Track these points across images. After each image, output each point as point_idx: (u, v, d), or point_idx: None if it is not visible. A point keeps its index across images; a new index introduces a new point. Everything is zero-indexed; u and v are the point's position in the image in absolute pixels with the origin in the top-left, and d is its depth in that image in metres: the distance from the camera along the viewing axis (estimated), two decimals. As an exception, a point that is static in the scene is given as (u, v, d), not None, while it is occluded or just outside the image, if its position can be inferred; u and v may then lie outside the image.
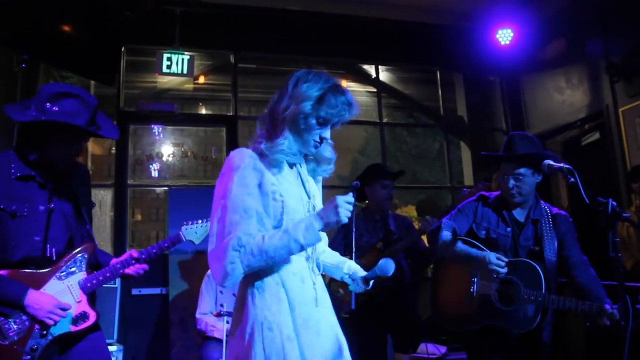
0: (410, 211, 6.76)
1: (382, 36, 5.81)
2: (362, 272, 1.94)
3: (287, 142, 1.74)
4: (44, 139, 2.30)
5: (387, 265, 1.80)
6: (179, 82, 5.91)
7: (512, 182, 2.80)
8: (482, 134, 6.33)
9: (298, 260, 1.78)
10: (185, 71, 5.17)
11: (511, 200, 2.86)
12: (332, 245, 3.69)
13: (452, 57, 5.98)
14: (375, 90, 6.31)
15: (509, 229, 2.86)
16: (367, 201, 4.00)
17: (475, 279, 2.87)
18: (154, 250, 2.60)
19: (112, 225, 5.08)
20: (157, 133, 5.93)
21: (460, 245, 2.87)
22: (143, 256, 2.56)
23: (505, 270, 2.68)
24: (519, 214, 2.89)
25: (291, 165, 1.85)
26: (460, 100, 6.46)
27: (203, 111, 7.21)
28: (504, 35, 5.49)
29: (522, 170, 2.80)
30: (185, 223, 2.79)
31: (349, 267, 1.96)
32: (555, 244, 2.79)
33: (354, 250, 2.29)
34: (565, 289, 3.01)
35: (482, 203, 2.97)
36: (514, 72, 6.07)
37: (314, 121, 1.74)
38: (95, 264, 2.56)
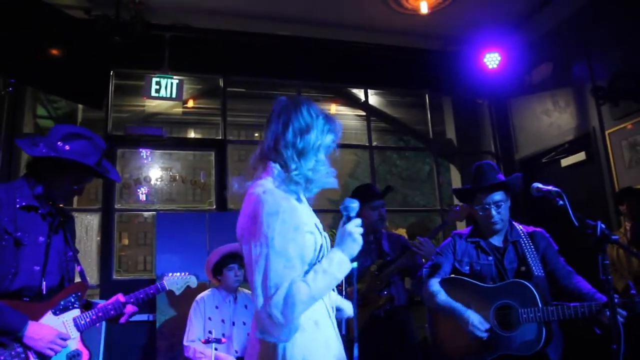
0: (401, 234, 6.74)
1: (371, 60, 5.86)
2: (344, 304, 1.98)
3: (321, 168, 1.78)
4: (51, 174, 2.36)
5: (348, 203, 1.77)
6: (167, 106, 5.92)
7: (494, 211, 2.84)
8: (472, 156, 6.29)
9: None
10: (174, 95, 5.17)
11: (492, 229, 2.90)
12: None
13: (441, 81, 6.02)
14: (364, 114, 6.35)
15: (490, 258, 2.88)
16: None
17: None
18: (141, 296, 2.70)
19: (98, 250, 5.02)
20: (145, 157, 5.89)
21: (443, 298, 2.87)
22: (131, 300, 2.62)
23: (485, 335, 2.69)
24: (496, 240, 2.93)
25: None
26: (449, 123, 6.50)
27: (192, 135, 7.23)
28: (492, 59, 5.55)
29: (501, 197, 2.85)
30: (167, 274, 3.05)
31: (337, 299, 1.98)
32: (539, 261, 2.82)
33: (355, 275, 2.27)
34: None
35: (458, 240, 3.02)
36: (502, 96, 6.13)
37: (317, 146, 1.78)
38: (86, 304, 2.58)
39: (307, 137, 1.75)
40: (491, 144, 6.27)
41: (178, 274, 3.12)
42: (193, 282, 3.24)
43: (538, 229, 2.96)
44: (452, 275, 2.95)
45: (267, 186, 1.72)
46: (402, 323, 3.79)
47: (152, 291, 2.77)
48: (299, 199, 1.78)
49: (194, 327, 3.82)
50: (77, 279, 2.57)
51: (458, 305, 2.80)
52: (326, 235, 1.85)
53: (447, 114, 6.54)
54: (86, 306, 2.56)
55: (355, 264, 1.71)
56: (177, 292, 3.08)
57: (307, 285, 1.60)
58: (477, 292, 2.81)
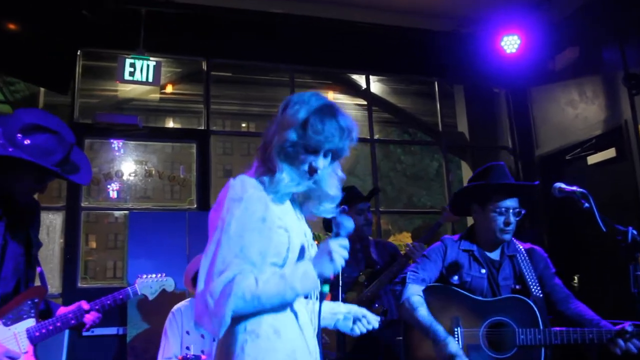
0: (404, 239, 6.76)
1: (373, 43, 5.84)
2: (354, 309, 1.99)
3: (286, 175, 1.76)
4: (6, 172, 2.32)
5: (343, 220, 1.76)
6: (143, 92, 5.89)
7: (512, 217, 2.85)
8: (486, 152, 6.37)
9: (298, 306, 1.80)
10: (150, 79, 5.16)
11: (499, 238, 2.88)
12: None
13: (452, 67, 6.01)
14: (365, 103, 6.34)
15: (484, 271, 2.89)
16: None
17: (458, 329, 2.79)
18: (108, 302, 2.68)
19: (61, 254, 4.99)
20: (116, 149, 5.85)
21: (423, 314, 2.80)
22: (96, 307, 2.58)
23: None
24: (492, 252, 2.95)
25: (291, 200, 1.88)
26: (461, 114, 6.50)
27: (170, 124, 7.21)
28: (510, 43, 5.53)
29: (517, 204, 2.87)
30: (139, 276, 3.00)
31: (347, 307, 2.00)
32: (536, 280, 2.84)
33: (340, 285, 2.25)
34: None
35: (450, 245, 3.01)
36: (521, 84, 6.13)
37: (301, 149, 1.76)
38: (44, 311, 2.54)
39: (283, 134, 1.76)
40: (508, 139, 6.26)
41: (152, 275, 3.09)
42: (170, 285, 3.23)
43: (536, 247, 2.99)
44: (440, 284, 2.94)
45: (245, 178, 1.76)
46: (389, 340, 3.78)
47: (121, 296, 2.74)
48: (280, 200, 1.79)
49: (170, 343, 3.80)
50: (38, 282, 2.54)
51: (439, 329, 2.73)
52: (312, 242, 1.87)
53: (459, 104, 6.54)
54: (44, 314, 2.51)
55: (325, 288, 1.68)
56: (151, 297, 3.04)
57: (254, 282, 1.60)
58: (467, 305, 2.80)
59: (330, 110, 1.78)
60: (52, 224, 5.06)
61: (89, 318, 2.53)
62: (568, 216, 5.06)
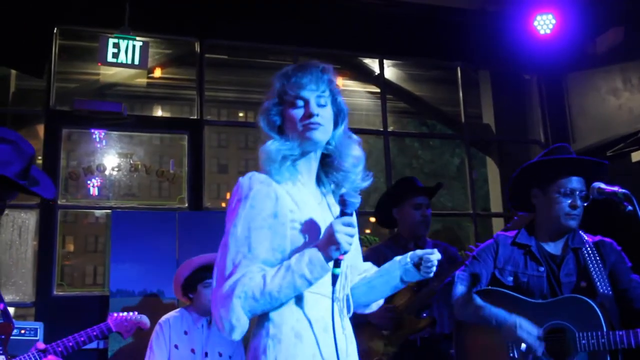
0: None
1: (388, 22, 5.81)
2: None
3: (274, 142, 1.89)
4: None
5: (348, 196, 1.79)
6: (128, 76, 5.87)
7: (579, 202, 2.81)
8: (514, 147, 6.36)
9: (320, 302, 1.84)
10: (136, 61, 5.15)
11: (565, 225, 2.83)
12: None
13: (478, 50, 6.00)
14: (378, 90, 6.33)
15: (542, 268, 2.86)
16: (396, 228, 4.00)
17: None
18: (71, 344, 2.68)
19: (35, 258, 4.98)
20: (98, 140, 5.82)
21: (480, 304, 2.81)
22: (59, 349, 2.54)
23: (538, 346, 2.63)
24: (553, 247, 2.91)
25: (314, 189, 1.98)
26: (486, 104, 6.49)
27: (159, 113, 7.21)
28: (544, 23, 5.48)
29: (584, 187, 2.82)
30: (110, 314, 3.30)
31: (404, 258, 2.00)
32: (606, 277, 2.79)
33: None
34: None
35: (502, 243, 2.99)
36: (556, 70, 6.10)
37: (287, 107, 1.91)
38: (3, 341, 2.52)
39: (263, 106, 1.94)
40: (540, 132, 6.24)
41: (125, 314, 3.35)
42: (145, 323, 3.48)
43: (607, 239, 2.92)
44: (491, 288, 2.92)
45: (254, 174, 1.86)
46: (442, 356, 3.76)
47: (95, 333, 2.85)
48: (291, 179, 1.89)
49: (156, 358, 3.77)
50: None
51: (500, 312, 2.74)
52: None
53: (485, 92, 6.53)
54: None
55: (337, 270, 1.76)
56: (126, 336, 3.32)
57: (261, 280, 1.72)
58: (521, 310, 2.76)
59: (301, 64, 1.95)
60: (24, 223, 5.05)
61: None
62: (608, 221, 5.00)
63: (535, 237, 2.93)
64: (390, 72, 6.57)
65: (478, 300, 2.82)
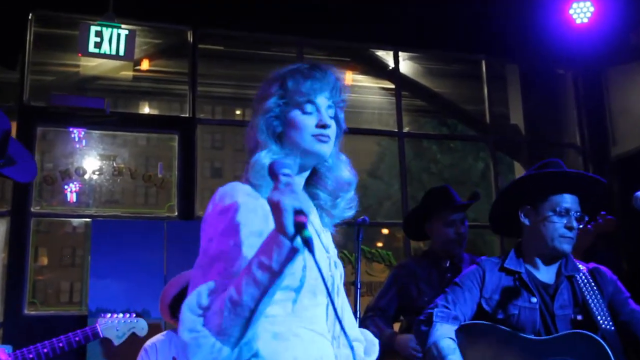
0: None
1: (403, 10, 5.80)
2: None
3: (270, 153, 1.77)
4: None
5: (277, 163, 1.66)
6: (112, 68, 5.86)
7: (575, 224, 2.77)
8: (546, 150, 6.31)
9: (319, 342, 1.75)
10: (121, 52, 5.18)
11: (560, 249, 2.79)
12: (381, 303, 3.71)
13: (505, 41, 6.00)
14: (393, 86, 6.35)
15: (534, 299, 2.81)
16: (429, 242, 3.96)
17: None
18: (47, 351, 2.58)
19: (3, 272, 4.98)
20: (77, 140, 5.83)
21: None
22: (30, 355, 2.48)
23: None
24: (545, 274, 2.87)
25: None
26: (514, 102, 6.50)
27: (146, 110, 7.20)
28: (581, 11, 5.49)
29: (579, 207, 2.80)
30: (102, 315, 3.10)
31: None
32: (605, 308, 2.78)
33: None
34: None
35: (488, 269, 2.94)
36: (593, 64, 6.10)
37: (290, 107, 1.80)
38: None
39: (264, 105, 1.82)
40: (576, 134, 6.26)
41: (119, 315, 3.14)
42: (141, 328, 3.29)
43: (602, 267, 2.91)
44: (478, 322, 2.85)
45: (236, 184, 1.77)
46: None
47: (77, 338, 2.75)
48: None
49: (141, 388, 3.74)
50: None
51: None
52: (337, 260, 1.89)
53: (513, 88, 6.54)
54: None
55: (307, 232, 1.46)
56: (117, 342, 3.11)
57: (230, 290, 1.54)
58: (516, 349, 2.73)
59: (316, 64, 1.87)
60: (-8, 233, 5.07)
61: None
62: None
63: (525, 262, 2.89)
64: (406, 65, 6.58)
65: (457, 355, 2.74)
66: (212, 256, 1.65)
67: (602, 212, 3.56)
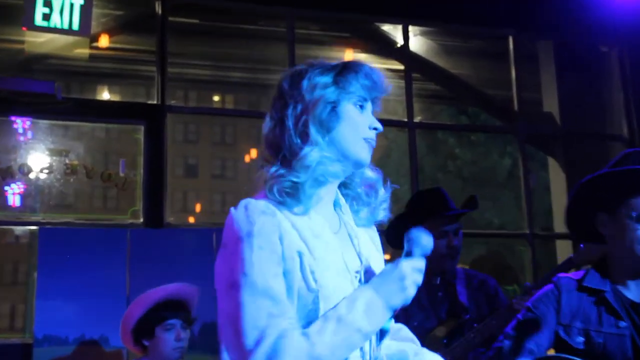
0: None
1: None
2: None
3: (317, 149, 1.84)
4: None
5: (417, 235, 1.83)
6: (64, 45, 5.85)
7: None
8: (587, 144, 6.38)
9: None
10: (75, 26, 5.19)
11: None
12: None
13: (536, 14, 6.01)
14: (402, 67, 6.37)
15: (623, 323, 2.77)
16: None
17: None
18: None
19: None
20: (21, 131, 5.82)
21: None
22: None
23: None
24: (635, 292, 2.84)
25: (330, 214, 1.98)
26: (548, 86, 6.52)
27: (105, 96, 7.16)
28: (628, -24, 5.54)
29: None
30: None
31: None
32: None
33: None
34: None
35: (565, 289, 2.92)
36: (643, 40, 6.13)
37: (350, 107, 1.88)
38: None
39: (315, 95, 1.86)
40: (622, 123, 6.30)
41: None
42: None
43: None
44: (553, 355, 2.84)
45: (251, 201, 1.83)
46: None
47: None
48: (304, 212, 1.86)
49: None
50: None
51: None
52: (354, 277, 1.93)
53: (546, 70, 6.57)
54: None
55: (388, 324, 1.79)
56: None
57: (306, 340, 1.68)
58: None
59: (350, 62, 1.95)
60: None
61: None
62: None
63: (610, 279, 2.86)
64: (418, 42, 6.62)
65: None
66: (254, 290, 1.72)
67: None
